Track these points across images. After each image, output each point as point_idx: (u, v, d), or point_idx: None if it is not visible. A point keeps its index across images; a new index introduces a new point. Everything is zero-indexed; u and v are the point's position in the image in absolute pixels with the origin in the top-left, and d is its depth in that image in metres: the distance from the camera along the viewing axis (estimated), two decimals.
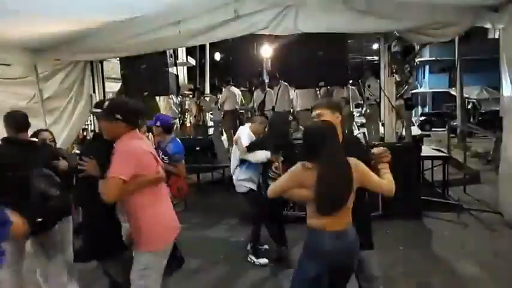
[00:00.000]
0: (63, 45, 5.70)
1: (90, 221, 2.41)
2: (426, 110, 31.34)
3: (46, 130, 3.60)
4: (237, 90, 9.27)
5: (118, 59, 6.40)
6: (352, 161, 2.21)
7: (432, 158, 7.02)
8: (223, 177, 7.71)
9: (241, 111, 9.30)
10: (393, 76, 6.00)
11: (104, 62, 6.75)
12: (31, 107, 5.86)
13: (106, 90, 6.92)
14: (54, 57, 5.98)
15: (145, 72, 6.01)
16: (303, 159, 2.21)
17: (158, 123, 3.67)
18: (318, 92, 8.02)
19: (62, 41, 5.58)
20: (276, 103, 8.52)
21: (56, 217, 2.98)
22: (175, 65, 6.36)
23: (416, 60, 11.47)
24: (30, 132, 3.19)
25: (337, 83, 6.51)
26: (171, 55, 6.16)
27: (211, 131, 9.69)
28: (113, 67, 6.48)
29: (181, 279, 3.86)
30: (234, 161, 4.26)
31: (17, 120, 3.00)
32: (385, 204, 5.36)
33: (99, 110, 2.45)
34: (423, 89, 32.23)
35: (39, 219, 2.67)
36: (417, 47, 5.96)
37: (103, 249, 2.38)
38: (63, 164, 3.04)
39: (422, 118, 25.79)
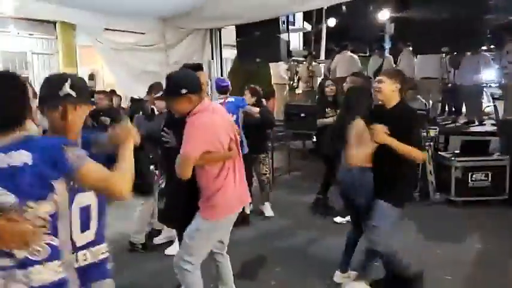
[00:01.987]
0: (187, 14, 6.21)
1: (170, 189, 2.55)
2: None
3: None
4: (352, 56, 8.57)
5: (235, 26, 6.71)
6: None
7: None
8: None
9: None
10: None
11: (222, 29, 7.15)
12: (160, 72, 6.62)
13: (223, 56, 7.37)
14: (180, 25, 6.58)
15: (258, 39, 6.16)
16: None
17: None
18: (444, 59, 7.18)
19: (185, 11, 6.09)
20: None
21: None
22: (287, 30, 6.35)
23: None
24: None
25: (464, 49, 5.71)
26: (284, 21, 6.18)
27: None
28: (229, 35, 6.85)
29: (265, 238, 4.11)
30: None
31: None
32: None
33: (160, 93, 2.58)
34: None
35: None
36: None
37: (179, 219, 2.52)
38: None
39: None
